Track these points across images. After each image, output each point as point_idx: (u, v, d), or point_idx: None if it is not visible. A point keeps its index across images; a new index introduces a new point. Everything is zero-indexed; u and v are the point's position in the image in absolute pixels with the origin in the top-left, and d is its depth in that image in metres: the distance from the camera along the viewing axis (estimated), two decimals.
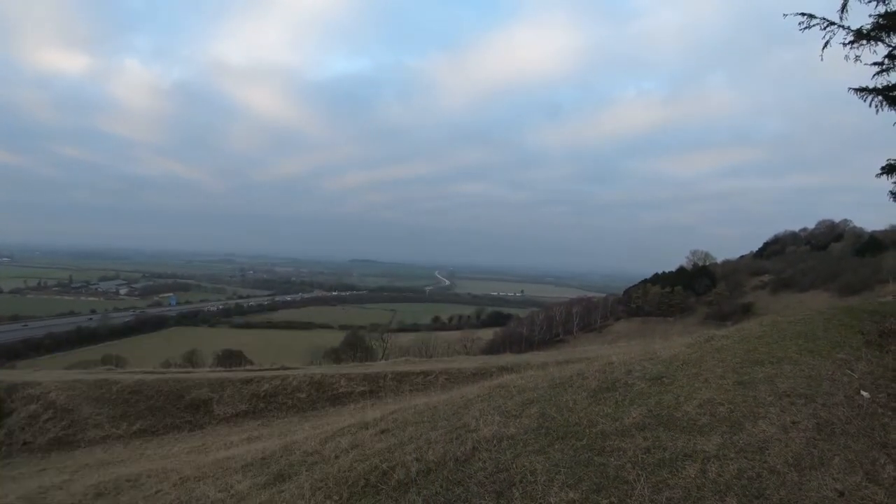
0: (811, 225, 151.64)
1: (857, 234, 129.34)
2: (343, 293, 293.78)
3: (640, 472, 5.06)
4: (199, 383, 23.06)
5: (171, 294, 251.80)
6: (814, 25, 11.99)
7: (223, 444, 16.28)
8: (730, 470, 4.92)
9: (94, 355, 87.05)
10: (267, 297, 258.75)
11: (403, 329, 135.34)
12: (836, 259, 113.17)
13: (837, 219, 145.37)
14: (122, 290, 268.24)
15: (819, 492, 4.55)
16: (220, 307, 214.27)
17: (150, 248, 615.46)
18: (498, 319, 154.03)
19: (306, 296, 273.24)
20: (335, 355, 61.99)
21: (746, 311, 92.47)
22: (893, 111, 12.00)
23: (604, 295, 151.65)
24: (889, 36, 11.73)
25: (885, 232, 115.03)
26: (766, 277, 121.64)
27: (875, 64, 11.96)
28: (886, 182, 12.87)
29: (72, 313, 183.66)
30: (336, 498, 6.22)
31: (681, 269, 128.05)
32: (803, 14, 12.06)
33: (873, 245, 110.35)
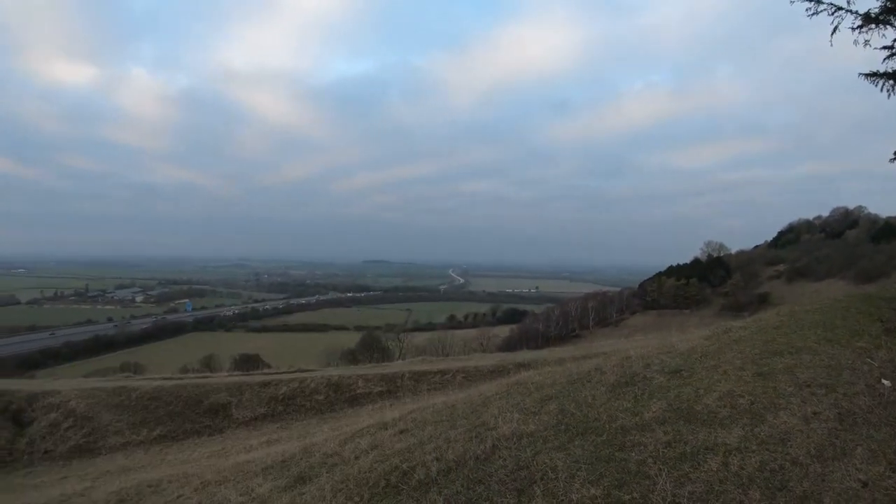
0: (825, 213, 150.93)
1: (872, 220, 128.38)
2: (358, 294, 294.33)
3: (661, 467, 5.03)
4: (217, 388, 23.16)
5: (186, 300, 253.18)
6: (821, 11, 11.85)
7: (243, 448, 16.34)
8: (752, 462, 4.89)
9: (113, 363, 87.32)
10: (282, 301, 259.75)
11: (419, 328, 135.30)
12: (851, 246, 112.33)
13: (852, 205, 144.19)
14: (139, 298, 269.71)
15: (842, 483, 4.51)
16: (236, 311, 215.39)
17: (164, 255, 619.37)
18: (513, 316, 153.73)
19: (321, 298, 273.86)
20: (352, 356, 62.05)
21: (762, 301, 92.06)
22: None
23: (619, 289, 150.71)
24: None
25: None
26: (781, 267, 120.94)
27: (885, 48, 11.83)
28: None
29: (89, 322, 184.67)
30: (357, 499, 6.23)
31: (695, 261, 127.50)
32: (811, 0, 11.95)
33: (889, 231, 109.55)
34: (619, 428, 6.08)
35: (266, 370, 31.75)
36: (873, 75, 12.03)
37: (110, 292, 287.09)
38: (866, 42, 11.65)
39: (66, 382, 29.53)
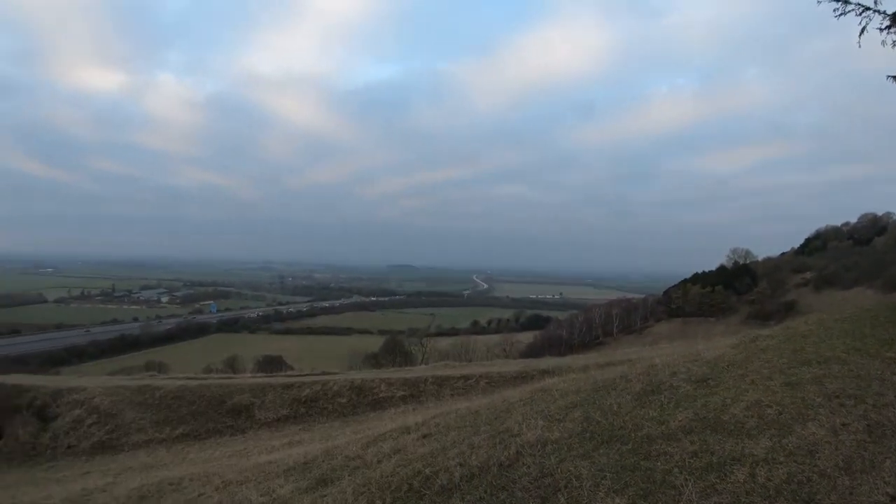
0: (853, 219, 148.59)
1: None
2: (381, 298, 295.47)
3: (687, 477, 4.97)
4: (240, 389, 23.29)
5: (211, 301, 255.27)
6: (849, 11, 11.73)
7: (265, 449, 16.39)
8: (779, 474, 4.82)
9: (137, 362, 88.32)
10: (306, 304, 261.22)
11: (442, 333, 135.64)
12: (880, 254, 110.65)
13: (880, 211, 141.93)
14: (164, 299, 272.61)
15: (870, 496, 4.42)
16: (260, 314, 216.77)
17: (190, 258, 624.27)
18: (537, 322, 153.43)
19: (345, 301, 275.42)
20: (375, 360, 62.27)
21: (789, 309, 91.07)
22: None
23: (643, 296, 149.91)
24: None
25: None
26: (808, 275, 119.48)
27: None
28: None
29: (115, 321, 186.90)
30: (379, 503, 6.21)
31: (721, 268, 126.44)
32: (838, 0, 11.82)
33: None
34: (644, 437, 6.03)
35: (289, 372, 31.92)
36: None
37: (136, 293, 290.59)
38: (894, 43, 11.52)
39: (90, 379, 29.93)
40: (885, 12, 11.50)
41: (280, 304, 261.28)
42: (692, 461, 5.26)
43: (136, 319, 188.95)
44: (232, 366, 67.25)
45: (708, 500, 4.61)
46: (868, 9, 11.52)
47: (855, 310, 10.92)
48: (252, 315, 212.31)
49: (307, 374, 26.01)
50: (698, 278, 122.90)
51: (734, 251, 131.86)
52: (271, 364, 57.44)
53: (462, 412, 9.53)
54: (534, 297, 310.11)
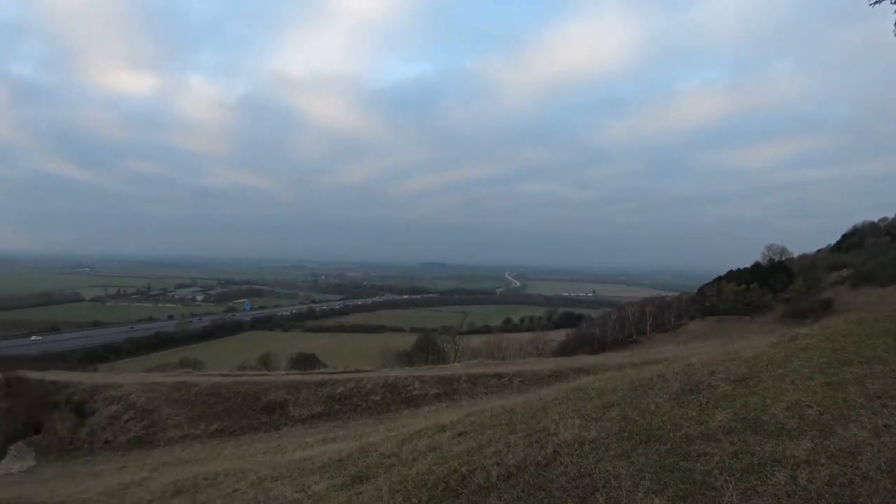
0: (891, 214, 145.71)
1: None
2: (414, 296, 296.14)
3: (727, 478, 4.90)
4: (274, 386, 23.51)
5: (245, 300, 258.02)
6: (883, 0, 11.48)
7: (299, 445, 16.53)
8: (821, 476, 4.72)
9: (172, 359, 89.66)
10: (339, 302, 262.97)
11: (474, 331, 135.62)
12: None
13: None
14: (199, 297, 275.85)
15: None
16: (293, 312, 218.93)
17: (224, 256, 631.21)
18: (569, 320, 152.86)
19: (377, 299, 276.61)
20: (407, 358, 62.38)
21: (826, 307, 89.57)
22: None
23: (677, 294, 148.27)
24: None
25: None
26: (845, 272, 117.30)
27: None
28: None
29: (150, 319, 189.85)
30: (415, 501, 6.20)
31: (756, 265, 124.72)
32: None
33: None
34: (683, 437, 5.95)
35: (322, 370, 32.12)
36: None
37: (171, 291, 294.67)
38: None
39: (127, 376, 30.45)
40: None
41: (313, 302, 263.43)
42: (732, 462, 5.18)
43: (171, 317, 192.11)
44: (266, 363, 67.88)
45: (748, 503, 4.54)
46: None
47: (895, 309, 10.72)
48: (285, 313, 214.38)
49: (341, 372, 26.16)
50: (733, 276, 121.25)
51: (769, 248, 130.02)
52: (305, 362, 57.85)
53: (497, 410, 9.49)
54: (566, 294, 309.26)
